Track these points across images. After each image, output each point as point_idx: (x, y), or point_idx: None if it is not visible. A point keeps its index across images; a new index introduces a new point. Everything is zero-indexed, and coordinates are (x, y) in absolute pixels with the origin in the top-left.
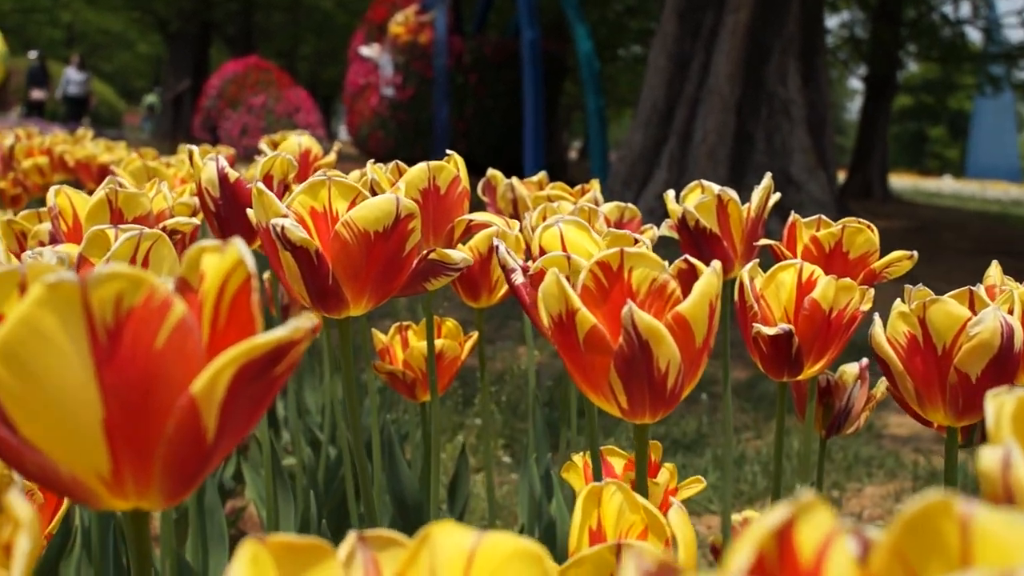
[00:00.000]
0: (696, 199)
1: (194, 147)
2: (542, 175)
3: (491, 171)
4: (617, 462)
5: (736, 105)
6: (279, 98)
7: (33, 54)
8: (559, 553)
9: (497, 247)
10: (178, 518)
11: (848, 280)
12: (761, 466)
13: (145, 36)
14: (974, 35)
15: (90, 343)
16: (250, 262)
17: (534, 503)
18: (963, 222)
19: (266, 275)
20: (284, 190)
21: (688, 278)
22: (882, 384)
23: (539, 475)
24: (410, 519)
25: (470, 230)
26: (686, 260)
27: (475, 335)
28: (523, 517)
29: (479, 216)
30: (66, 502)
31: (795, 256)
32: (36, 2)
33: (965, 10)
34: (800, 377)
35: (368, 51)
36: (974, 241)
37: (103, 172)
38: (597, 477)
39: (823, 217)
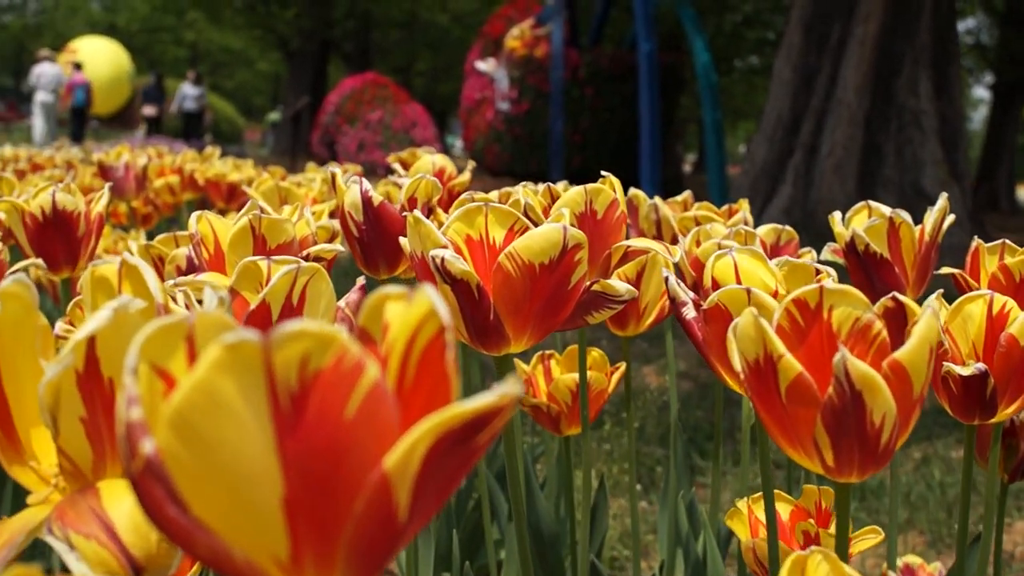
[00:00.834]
0: (865, 221)
1: (336, 168)
2: (687, 195)
3: (633, 191)
4: (783, 509)
5: (864, 117)
6: (396, 113)
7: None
8: None
9: (667, 279)
10: None
11: None
12: (902, 497)
13: (265, 54)
14: None
15: (271, 411)
16: (444, 313)
17: (677, 539)
18: None
19: None
20: (428, 213)
21: (892, 317)
22: None
23: (682, 509)
24: (546, 552)
25: (626, 257)
26: (894, 299)
27: (622, 366)
28: (663, 553)
29: (637, 242)
30: None
31: (980, 286)
32: (161, 22)
33: None
34: (992, 420)
35: (484, 65)
36: None
37: (232, 191)
38: (772, 530)
39: (1008, 242)
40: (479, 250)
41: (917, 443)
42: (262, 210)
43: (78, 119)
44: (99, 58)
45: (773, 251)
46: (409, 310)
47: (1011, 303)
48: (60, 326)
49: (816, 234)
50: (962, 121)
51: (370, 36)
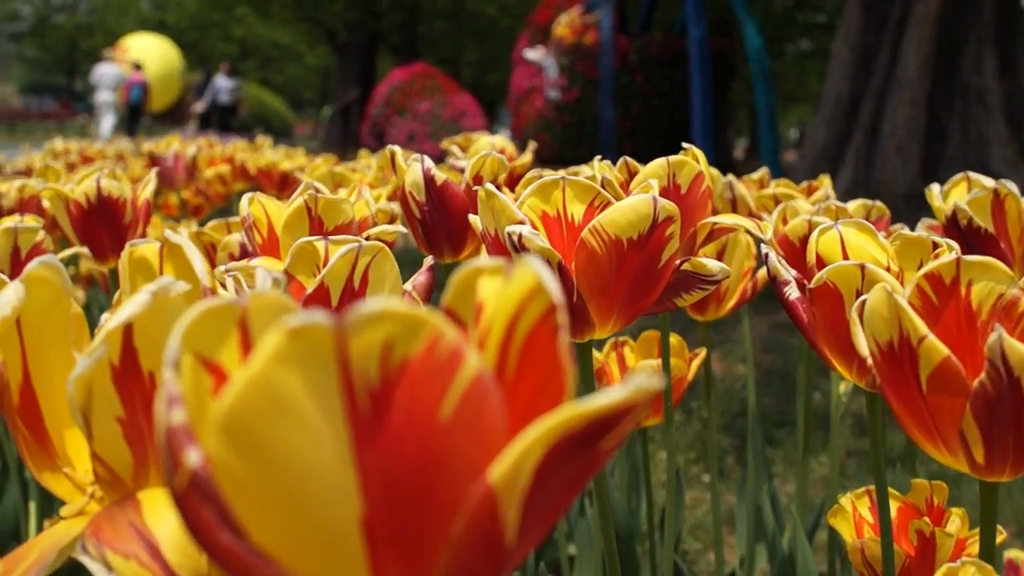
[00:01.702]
0: (966, 195)
1: (396, 147)
2: (763, 172)
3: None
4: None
5: (927, 97)
6: (445, 103)
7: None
8: None
9: (767, 256)
10: None
11: None
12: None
13: (314, 48)
14: None
15: (346, 412)
16: (553, 288)
17: (758, 532)
18: None
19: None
20: None
21: None
22: None
23: (767, 501)
24: (620, 546)
25: (712, 234)
26: None
27: (702, 352)
28: (741, 547)
29: (726, 218)
30: None
31: None
32: (210, 18)
33: None
34: None
35: (533, 54)
36: None
37: (284, 180)
38: (886, 530)
39: None
40: (556, 227)
41: None
42: (317, 190)
43: (133, 116)
44: (150, 56)
45: None
46: (509, 287)
47: None
48: (105, 318)
49: None
50: None
51: (417, 27)
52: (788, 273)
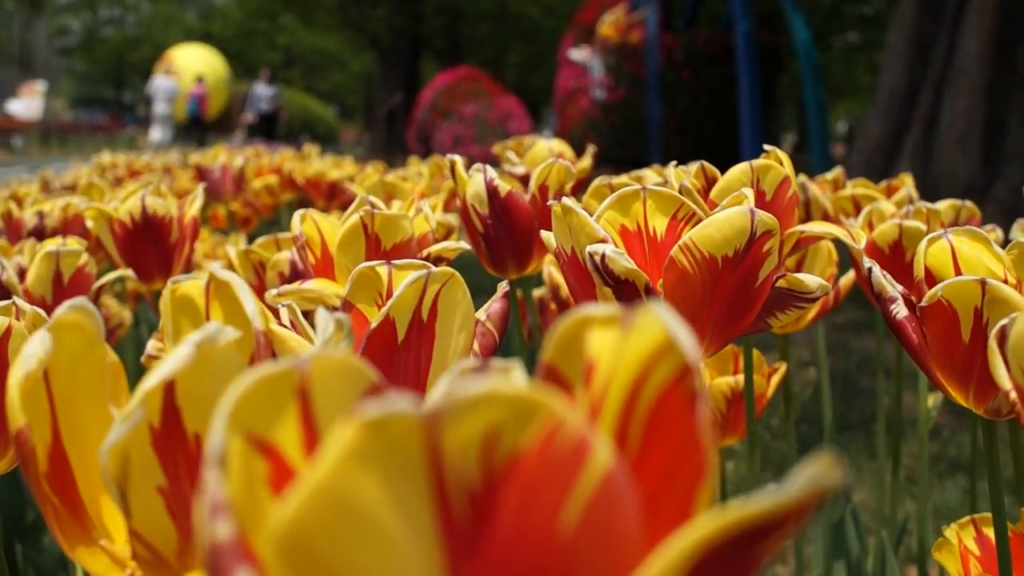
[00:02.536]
0: None
1: (456, 157)
2: (838, 172)
3: None
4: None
5: (986, 87)
6: (490, 106)
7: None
8: None
9: (870, 270)
10: None
11: None
12: None
13: (358, 55)
14: None
15: (439, 525)
16: (688, 345)
17: (837, 550)
18: None
19: None
20: None
21: None
22: None
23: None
24: None
25: (798, 244)
26: None
27: (782, 367)
28: (818, 568)
29: (814, 227)
30: None
31: None
32: (255, 27)
33: None
34: None
35: (578, 54)
36: None
37: (333, 190)
38: (1004, 567)
39: None
40: (636, 243)
41: None
42: (373, 205)
43: (195, 127)
44: (196, 66)
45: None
46: (629, 342)
47: None
48: (152, 344)
49: None
50: None
51: (460, 30)
52: (894, 289)
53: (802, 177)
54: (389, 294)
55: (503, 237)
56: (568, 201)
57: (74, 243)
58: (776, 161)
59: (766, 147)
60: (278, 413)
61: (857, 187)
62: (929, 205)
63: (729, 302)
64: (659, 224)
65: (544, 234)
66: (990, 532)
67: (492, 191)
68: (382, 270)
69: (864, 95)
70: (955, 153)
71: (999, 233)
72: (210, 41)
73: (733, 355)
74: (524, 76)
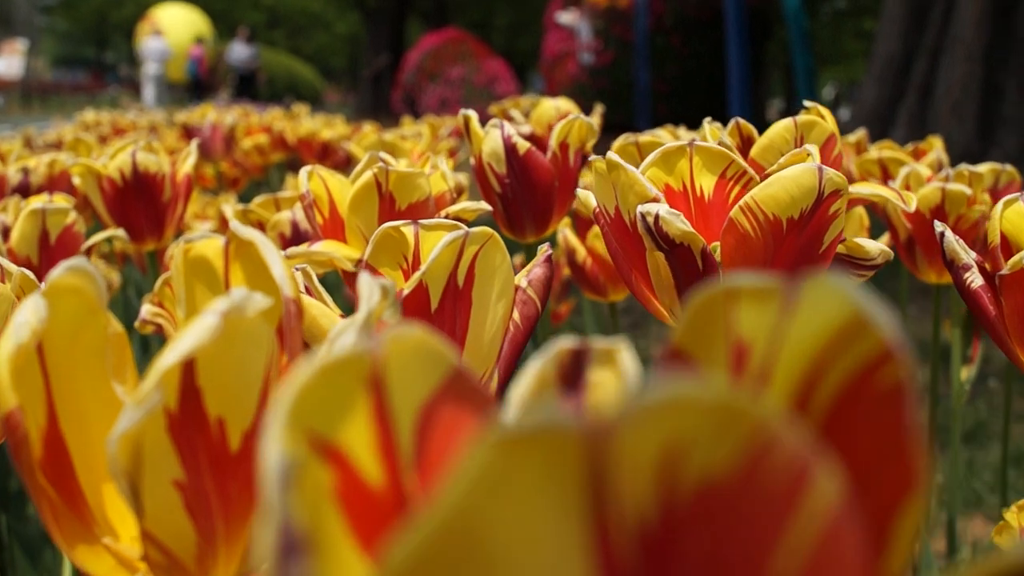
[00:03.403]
0: None
1: (471, 112)
2: (861, 134)
3: None
4: None
5: (983, 54)
6: (477, 69)
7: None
8: None
9: (942, 235)
10: None
11: None
12: None
13: (343, 15)
14: None
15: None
16: (888, 326)
17: None
18: None
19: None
20: (582, 163)
21: None
22: None
23: None
24: None
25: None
26: None
27: None
28: None
29: (863, 187)
30: None
31: None
32: None
33: None
34: None
35: (566, 18)
36: None
37: (325, 150)
38: None
39: None
40: (682, 203)
41: None
42: (385, 162)
43: (199, 89)
44: (178, 26)
45: (994, 193)
46: (798, 321)
47: None
48: (147, 309)
49: None
50: None
51: None
52: (968, 256)
53: None
54: (415, 257)
55: (522, 197)
56: (615, 156)
57: (61, 200)
58: (818, 116)
59: (807, 103)
60: (347, 409)
61: (884, 150)
62: (971, 168)
63: (791, 269)
64: (706, 183)
65: (581, 192)
66: None
67: (510, 149)
68: (408, 230)
69: (850, 61)
70: (950, 120)
71: None
72: (194, 0)
73: None
74: (510, 39)
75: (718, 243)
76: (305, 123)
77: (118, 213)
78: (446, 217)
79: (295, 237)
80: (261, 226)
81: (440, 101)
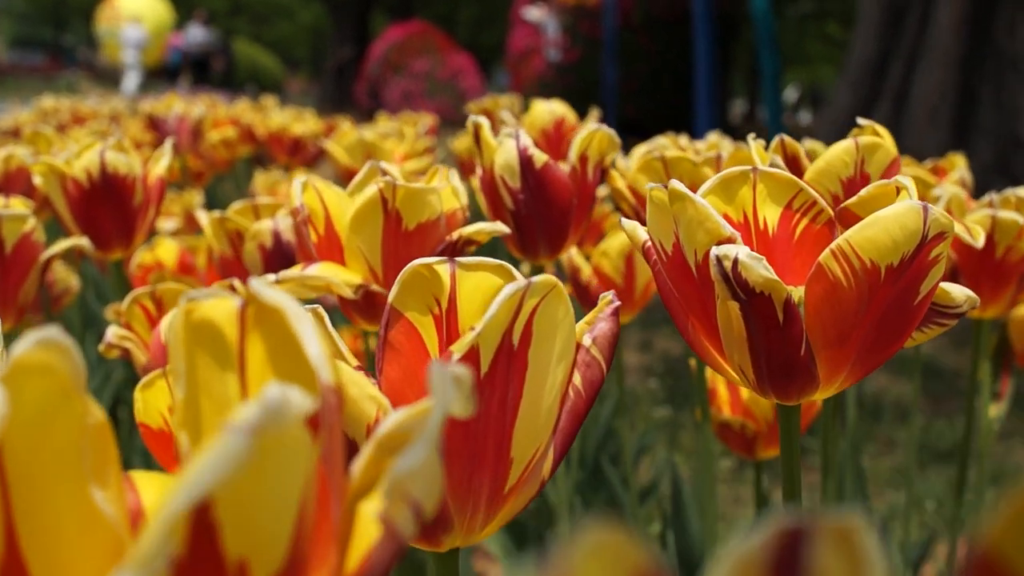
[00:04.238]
0: None
1: (482, 119)
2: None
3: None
4: None
5: (959, 60)
6: (441, 63)
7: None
8: None
9: None
10: None
11: None
12: None
13: (307, 5)
14: None
15: None
16: None
17: None
18: None
19: None
20: (600, 178)
21: None
22: None
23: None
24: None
25: None
26: None
27: None
28: None
29: None
30: None
31: None
32: None
33: None
34: None
35: (533, 14)
36: None
37: (296, 145)
38: None
39: None
40: (744, 238)
41: None
42: (386, 173)
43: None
44: (139, 9)
45: None
46: None
47: None
48: (114, 332)
49: None
50: None
51: None
52: None
53: None
54: (451, 302)
55: (537, 215)
56: (678, 185)
57: (19, 205)
58: (873, 134)
59: (860, 120)
60: None
61: (906, 165)
62: (1017, 193)
63: (883, 321)
64: (771, 215)
65: (627, 224)
66: None
67: (526, 162)
68: (442, 269)
69: (813, 65)
70: (925, 126)
71: None
72: None
73: None
74: (475, 33)
75: (796, 288)
76: (275, 116)
77: (83, 218)
78: (457, 240)
79: (277, 249)
80: (239, 236)
81: (403, 94)
